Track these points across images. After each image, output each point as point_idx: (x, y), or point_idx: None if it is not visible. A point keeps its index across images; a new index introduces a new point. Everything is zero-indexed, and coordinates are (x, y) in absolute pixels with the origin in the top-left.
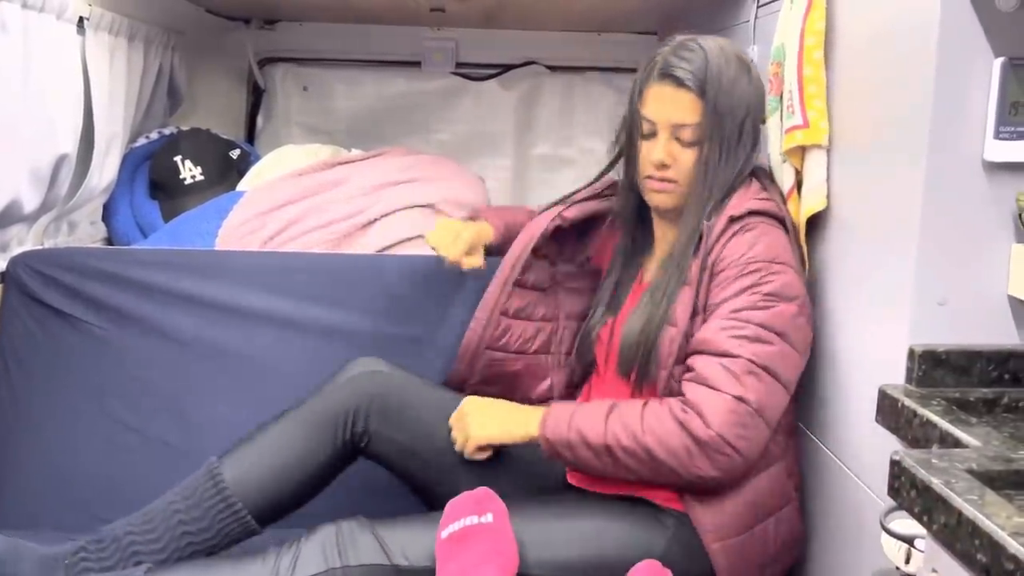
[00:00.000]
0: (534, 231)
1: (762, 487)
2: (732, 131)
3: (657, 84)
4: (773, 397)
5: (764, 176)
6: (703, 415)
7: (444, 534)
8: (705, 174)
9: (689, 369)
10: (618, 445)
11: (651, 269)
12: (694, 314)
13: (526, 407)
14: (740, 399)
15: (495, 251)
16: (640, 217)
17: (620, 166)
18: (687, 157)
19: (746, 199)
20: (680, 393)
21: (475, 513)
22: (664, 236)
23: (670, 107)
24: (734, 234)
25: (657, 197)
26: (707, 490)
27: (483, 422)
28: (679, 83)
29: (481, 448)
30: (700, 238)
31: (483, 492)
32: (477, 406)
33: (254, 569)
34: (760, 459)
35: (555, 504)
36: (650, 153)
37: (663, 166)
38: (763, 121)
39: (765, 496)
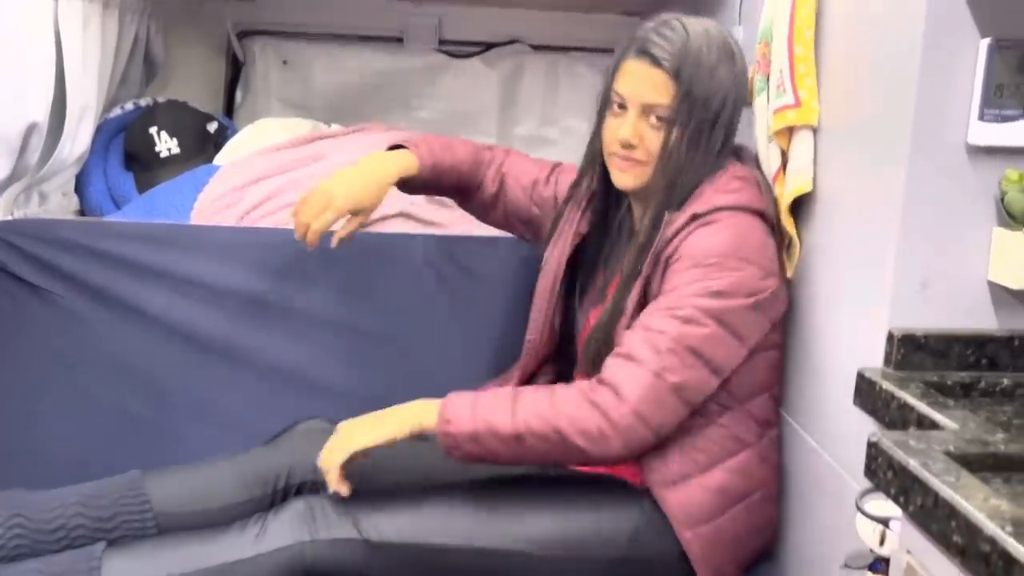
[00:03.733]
0: (557, 266)
1: (731, 473)
2: (704, 119)
3: (633, 60)
4: (696, 379)
5: (748, 158)
6: (619, 391)
7: None
8: (669, 159)
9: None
10: (529, 431)
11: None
12: (643, 304)
13: (408, 404)
14: (658, 375)
15: (417, 186)
16: (618, 201)
17: None
18: (654, 138)
19: (714, 193)
20: None
21: None
22: (639, 221)
23: (643, 85)
24: (695, 229)
25: (620, 177)
26: (671, 476)
27: (354, 434)
28: (655, 61)
29: (346, 471)
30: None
31: None
32: (346, 424)
33: (219, 540)
34: (729, 444)
35: (527, 480)
36: (617, 130)
37: (628, 145)
38: (748, 104)
39: (735, 481)
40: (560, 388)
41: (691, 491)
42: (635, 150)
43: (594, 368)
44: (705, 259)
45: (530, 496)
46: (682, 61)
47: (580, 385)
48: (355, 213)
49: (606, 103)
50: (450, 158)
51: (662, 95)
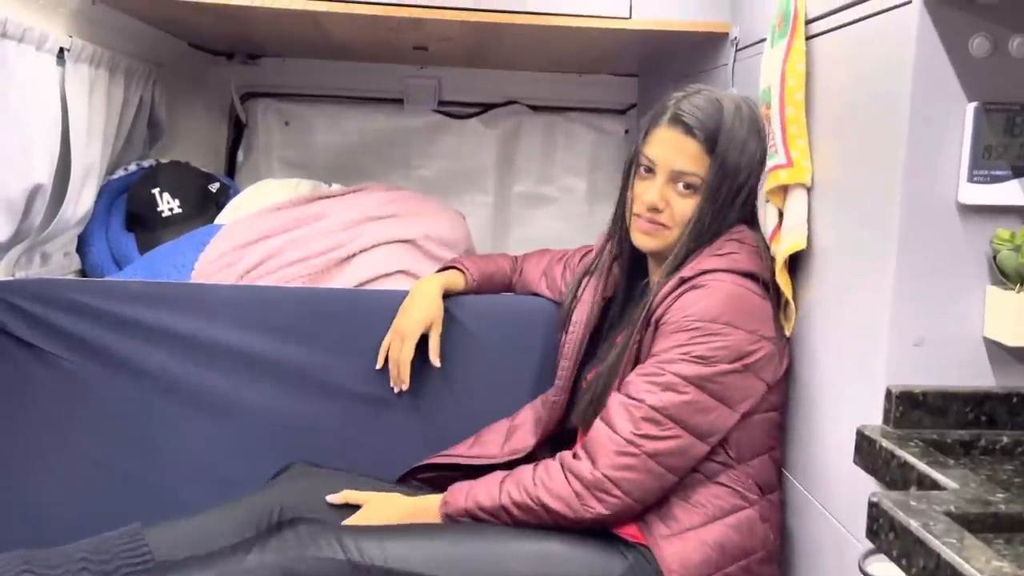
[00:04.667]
0: (583, 328)
1: (731, 529)
2: (732, 189)
3: (666, 127)
4: (675, 446)
5: (753, 220)
6: (594, 458)
7: None
8: (695, 226)
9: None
10: (511, 503)
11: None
12: (634, 367)
13: (425, 497)
14: (631, 442)
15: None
16: (640, 264)
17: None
18: (680, 204)
19: (705, 257)
20: None
21: None
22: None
23: (674, 152)
24: (683, 293)
25: (641, 238)
26: (669, 528)
27: (378, 514)
28: (688, 130)
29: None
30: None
31: None
32: (374, 509)
33: (208, 559)
34: (729, 501)
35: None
36: (644, 192)
37: (655, 208)
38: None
39: (734, 538)
40: (544, 462)
41: (688, 543)
42: (661, 214)
43: (584, 424)
44: (690, 324)
45: (515, 540)
46: (716, 133)
47: (562, 456)
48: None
49: (633, 166)
50: (492, 267)
51: (692, 163)
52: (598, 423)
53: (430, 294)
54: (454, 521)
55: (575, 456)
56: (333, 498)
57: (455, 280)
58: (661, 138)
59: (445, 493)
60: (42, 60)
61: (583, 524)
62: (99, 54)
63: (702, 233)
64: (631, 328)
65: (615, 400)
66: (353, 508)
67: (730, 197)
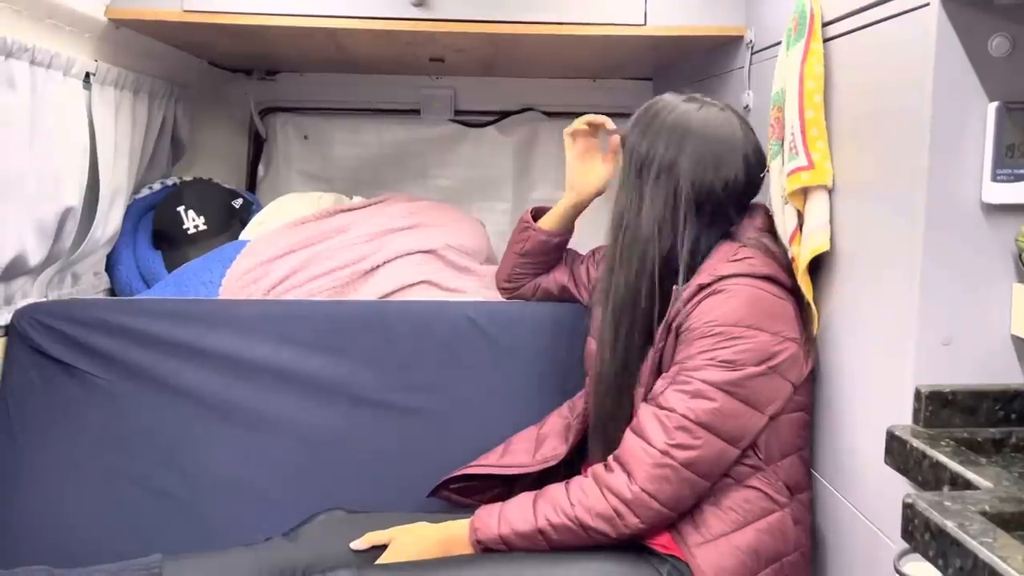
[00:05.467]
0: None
1: (763, 534)
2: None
3: None
4: (708, 452)
5: (763, 217)
6: (630, 471)
7: None
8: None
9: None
10: (549, 526)
11: None
12: (658, 374)
13: (452, 524)
14: (666, 453)
15: None
16: None
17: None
18: None
19: (718, 263)
20: None
21: None
22: None
23: None
24: (703, 299)
25: None
26: (703, 536)
27: (404, 551)
28: None
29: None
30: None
31: None
32: (401, 547)
33: None
34: (760, 504)
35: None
36: None
37: None
38: (764, 168)
39: (767, 542)
40: (577, 480)
41: (722, 551)
42: None
43: (603, 426)
44: (712, 329)
45: (549, 565)
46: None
47: (596, 471)
48: None
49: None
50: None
51: None
52: (629, 435)
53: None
54: (487, 548)
55: (608, 468)
56: (357, 544)
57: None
58: None
59: (473, 518)
60: (69, 85)
61: (623, 540)
62: (123, 76)
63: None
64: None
65: (645, 411)
66: (381, 548)
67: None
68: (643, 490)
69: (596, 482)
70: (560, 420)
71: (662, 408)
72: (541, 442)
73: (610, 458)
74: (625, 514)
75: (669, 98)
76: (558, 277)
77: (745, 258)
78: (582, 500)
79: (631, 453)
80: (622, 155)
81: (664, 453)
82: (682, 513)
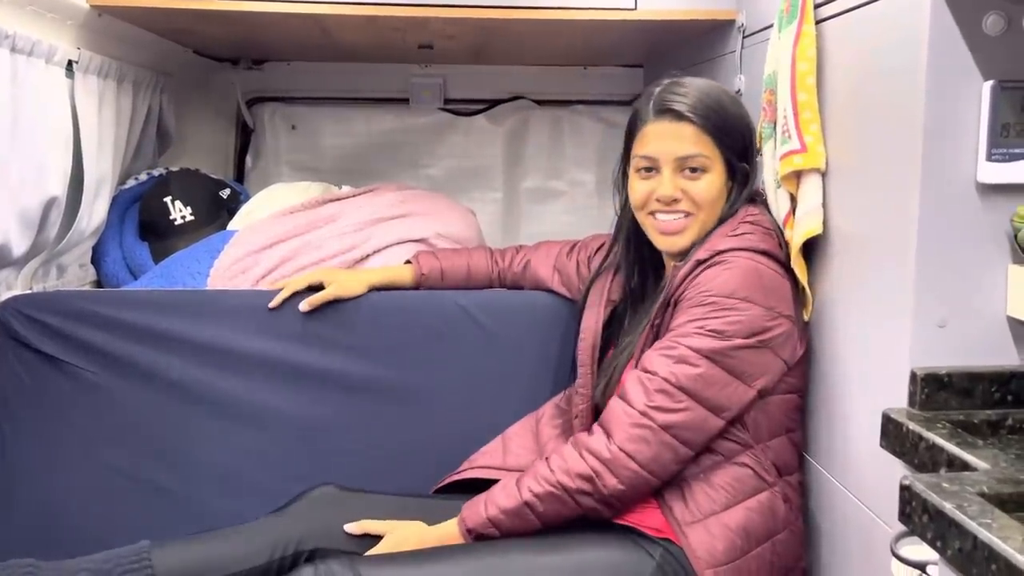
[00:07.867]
0: (594, 333)
1: (753, 512)
2: (740, 155)
3: (654, 122)
4: (689, 418)
5: (759, 201)
6: (610, 432)
7: None
8: (718, 199)
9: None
10: (533, 496)
11: None
12: (651, 345)
13: (447, 523)
14: (645, 414)
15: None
16: (652, 260)
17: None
18: (695, 187)
19: (719, 238)
20: None
21: None
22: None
23: (672, 141)
24: (700, 272)
25: (666, 241)
26: (693, 514)
27: (399, 544)
28: (678, 116)
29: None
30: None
31: None
32: (397, 541)
33: None
34: (749, 482)
35: (538, 536)
36: (653, 191)
37: (672, 200)
38: (758, 151)
39: (757, 521)
40: (556, 448)
41: (713, 530)
42: (679, 203)
43: (602, 402)
44: (706, 298)
45: (542, 553)
46: (706, 109)
47: (577, 436)
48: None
49: (626, 173)
50: (459, 261)
51: (695, 145)
52: (614, 399)
53: (359, 280)
54: (478, 535)
55: (590, 432)
56: (352, 528)
57: (400, 274)
58: (652, 133)
59: (462, 510)
60: (51, 73)
61: (606, 502)
62: (107, 65)
63: (732, 204)
64: (648, 315)
65: (631, 376)
66: (375, 536)
67: (736, 161)
68: (621, 449)
69: (576, 446)
70: (558, 413)
71: (646, 372)
72: (540, 435)
73: (594, 424)
74: (603, 474)
75: (699, 83)
76: (542, 279)
77: (744, 234)
78: (561, 465)
79: (612, 413)
80: (708, 145)
81: (643, 414)
82: (667, 482)
